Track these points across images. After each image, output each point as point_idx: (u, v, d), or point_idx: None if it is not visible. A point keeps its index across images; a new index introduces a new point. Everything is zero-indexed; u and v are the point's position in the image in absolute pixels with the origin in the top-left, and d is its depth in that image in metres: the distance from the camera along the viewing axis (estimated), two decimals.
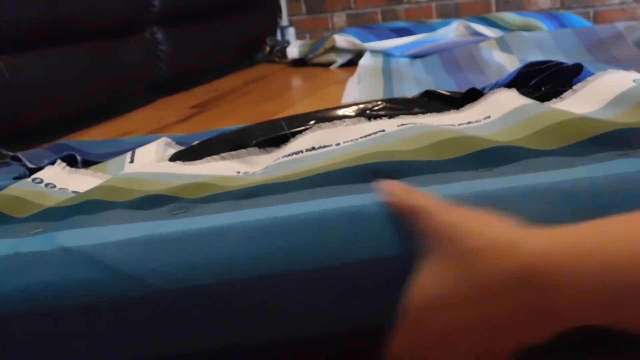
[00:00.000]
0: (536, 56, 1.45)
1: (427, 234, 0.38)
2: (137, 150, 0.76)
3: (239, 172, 0.62)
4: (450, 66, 1.51)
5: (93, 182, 0.65)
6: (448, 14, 2.31)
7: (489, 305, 0.33)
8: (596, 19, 2.17)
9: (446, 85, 1.31)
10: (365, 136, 0.59)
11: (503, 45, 1.54)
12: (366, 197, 0.44)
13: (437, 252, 0.36)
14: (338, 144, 0.60)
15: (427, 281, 0.36)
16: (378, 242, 0.42)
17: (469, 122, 0.63)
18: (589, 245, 0.31)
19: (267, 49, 2.10)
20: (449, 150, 0.52)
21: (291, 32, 2.32)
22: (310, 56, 1.93)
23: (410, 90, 1.31)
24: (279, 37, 2.27)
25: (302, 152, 0.61)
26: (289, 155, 0.61)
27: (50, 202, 0.59)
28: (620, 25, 1.55)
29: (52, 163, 0.71)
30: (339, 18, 2.50)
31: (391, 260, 0.41)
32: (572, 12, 2.07)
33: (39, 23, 1.19)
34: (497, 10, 2.25)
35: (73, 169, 0.71)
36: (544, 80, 0.71)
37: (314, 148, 0.61)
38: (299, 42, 2.08)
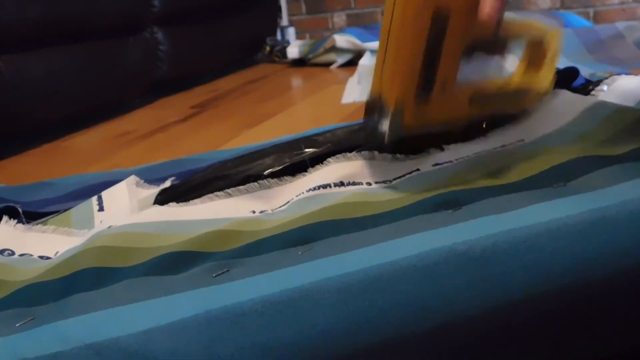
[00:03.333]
0: None
1: None
2: (104, 195, 0.61)
3: (254, 212, 0.52)
4: None
5: (61, 241, 0.53)
6: None
7: None
8: (596, 19, 2.17)
9: None
10: (399, 177, 0.54)
11: None
12: (462, 232, 0.37)
13: None
14: (369, 184, 0.53)
15: None
16: (507, 283, 0.34)
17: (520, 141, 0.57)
18: None
19: (267, 49, 2.10)
20: (508, 175, 0.47)
21: (291, 32, 2.32)
22: (310, 56, 1.93)
23: None
24: (279, 37, 2.27)
25: (330, 186, 0.52)
26: (314, 189, 0.52)
27: (21, 276, 0.45)
28: (620, 25, 1.54)
29: None
30: (339, 18, 2.50)
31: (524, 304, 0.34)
32: (572, 12, 2.07)
33: (39, 23, 1.19)
34: None
35: (26, 226, 0.57)
36: None
37: (342, 183, 0.53)
38: (299, 42, 2.08)
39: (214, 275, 0.39)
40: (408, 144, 0.57)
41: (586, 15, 2.16)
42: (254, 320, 0.33)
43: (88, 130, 1.33)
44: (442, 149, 0.57)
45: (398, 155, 0.57)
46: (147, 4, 1.53)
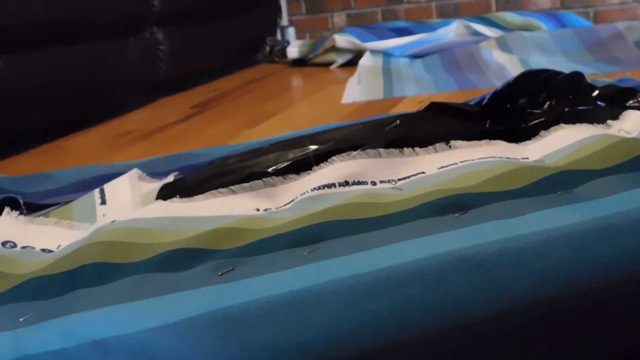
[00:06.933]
0: (536, 56, 1.45)
1: None
2: (107, 188, 0.60)
3: (258, 210, 0.52)
4: (450, 66, 1.51)
5: (62, 233, 0.53)
6: (448, 14, 2.31)
7: None
8: (596, 19, 2.17)
9: (446, 86, 1.31)
10: (404, 178, 0.54)
11: (503, 45, 1.54)
12: (469, 237, 0.37)
13: None
14: (374, 183, 0.53)
15: None
16: (513, 288, 0.34)
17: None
18: None
19: (267, 49, 2.10)
20: (513, 180, 0.47)
21: (291, 32, 2.32)
22: (310, 56, 1.93)
23: (410, 90, 1.31)
24: (279, 37, 2.27)
25: (334, 185, 0.52)
26: (319, 188, 0.52)
27: (23, 269, 0.44)
28: (620, 25, 1.54)
29: None
30: (339, 18, 2.50)
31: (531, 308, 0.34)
32: (572, 12, 2.07)
33: (39, 23, 1.19)
34: (497, 10, 2.24)
35: (28, 217, 0.56)
36: (542, 91, 0.70)
37: (347, 183, 0.52)
38: (299, 42, 2.08)
39: (219, 273, 0.39)
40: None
41: (586, 15, 2.16)
42: (260, 321, 0.33)
43: (88, 130, 1.32)
44: (450, 146, 0.57)
45: (404, 153, 0.57)
46: (147, 4, 1.53)
